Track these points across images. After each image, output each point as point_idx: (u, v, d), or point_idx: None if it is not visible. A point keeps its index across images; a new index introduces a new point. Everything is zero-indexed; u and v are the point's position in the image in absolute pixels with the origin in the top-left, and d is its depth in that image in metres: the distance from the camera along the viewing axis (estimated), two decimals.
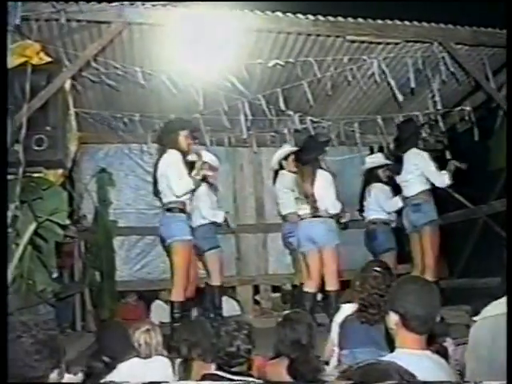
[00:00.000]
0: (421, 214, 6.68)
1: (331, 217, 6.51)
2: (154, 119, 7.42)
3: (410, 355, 2.64)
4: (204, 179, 6.59)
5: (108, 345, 4.20)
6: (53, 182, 5.28)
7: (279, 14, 5.70)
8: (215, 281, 6.96)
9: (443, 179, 6.67)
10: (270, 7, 5.73)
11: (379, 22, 5.98)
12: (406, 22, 6.05)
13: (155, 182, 6.16)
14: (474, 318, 3.13)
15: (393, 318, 2.76)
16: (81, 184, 7.95)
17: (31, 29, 5.33)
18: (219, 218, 6.99)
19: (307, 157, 6.61)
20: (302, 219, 6.56)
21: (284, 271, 8.57)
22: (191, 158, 6.38)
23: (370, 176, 7.63)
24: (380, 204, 7.40)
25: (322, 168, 6.55)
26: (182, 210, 6.03)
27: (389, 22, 6.00)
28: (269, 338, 4.23)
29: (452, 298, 6.81)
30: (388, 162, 7.52)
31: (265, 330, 6.16)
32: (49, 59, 5.31)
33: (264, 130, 7.96)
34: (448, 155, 8.06)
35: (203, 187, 6.74)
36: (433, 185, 6.70)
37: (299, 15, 5.74)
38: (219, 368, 3.39)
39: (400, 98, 6.54)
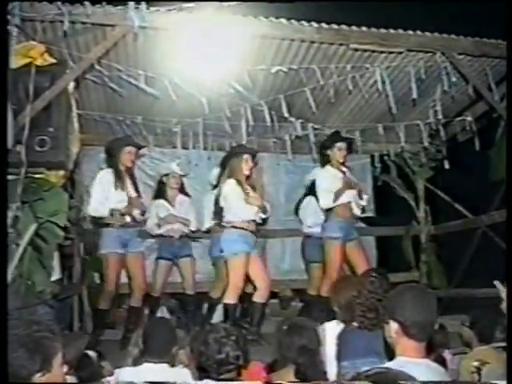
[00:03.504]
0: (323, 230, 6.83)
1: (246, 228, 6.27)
2: (156, 122, 7.43)
3: (410, 363, 2.65)
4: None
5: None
6: (54, 184, 5.27)
7: (283, 20, 5.69)
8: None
9: (326, 201, 6.76)
10: (274, 14, 5.73)
11: (382, 30, 5.97)
12: (409, 32, 6.05)
13: None
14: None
15: (392, 327, 2.77)
16: (81, 186, 7.94)
17: (36, 30, 5.34)
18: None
19: (221, 163, 6.70)
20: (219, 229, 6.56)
21: (282, 277, 8.56)
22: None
23: None
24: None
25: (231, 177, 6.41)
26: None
27: (392, 31, 6.00)
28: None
29: (449, 308, 6.81)
30: None
31: (262, 336, 6.18)
32: (53, 60, 5.30)
33: (265, 136, 7.96)
34: (446, 165, 8.10)
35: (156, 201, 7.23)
36: None
37: (303, 22, 5.74)
38: (208, 376, 3.34)
39: (394, 109, 6.53)
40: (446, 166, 8.13)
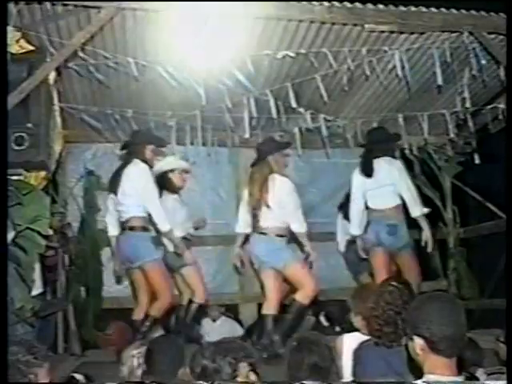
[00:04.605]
0: (395, 237, 6.60)
1: (282, 235, 6.30)
2: (149, 116, 7.42)
3: (440, 382, 2.63)
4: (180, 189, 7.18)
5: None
6: (34, 186, 5.28)
7: None
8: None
9: (417, 210, 6.64)
10: None
11: (402, 8, 5.92)
12: (433, 9, 6.00)
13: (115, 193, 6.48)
14: None
15: (418, 343, 2.74)
16: (65, 188, 7.95)
17: (10, 12, 5.28)
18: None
19: (257, 158, 6.56)
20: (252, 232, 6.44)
21: None
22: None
23: None
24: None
25: (276, 173, 6.35)
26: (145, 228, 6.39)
27: (413, 8, 5.96)
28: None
29: (482, 321, 6.77)
30: None
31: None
32: (30, 48, 5.32)
33: (271, 129, 7.95)
34: (477, 159, 8.06)
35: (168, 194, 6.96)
36: None
37: (312, 1, 5.72)
38: None
39: (416, 97, 6.50)
40: (476, 160, 8.11)
